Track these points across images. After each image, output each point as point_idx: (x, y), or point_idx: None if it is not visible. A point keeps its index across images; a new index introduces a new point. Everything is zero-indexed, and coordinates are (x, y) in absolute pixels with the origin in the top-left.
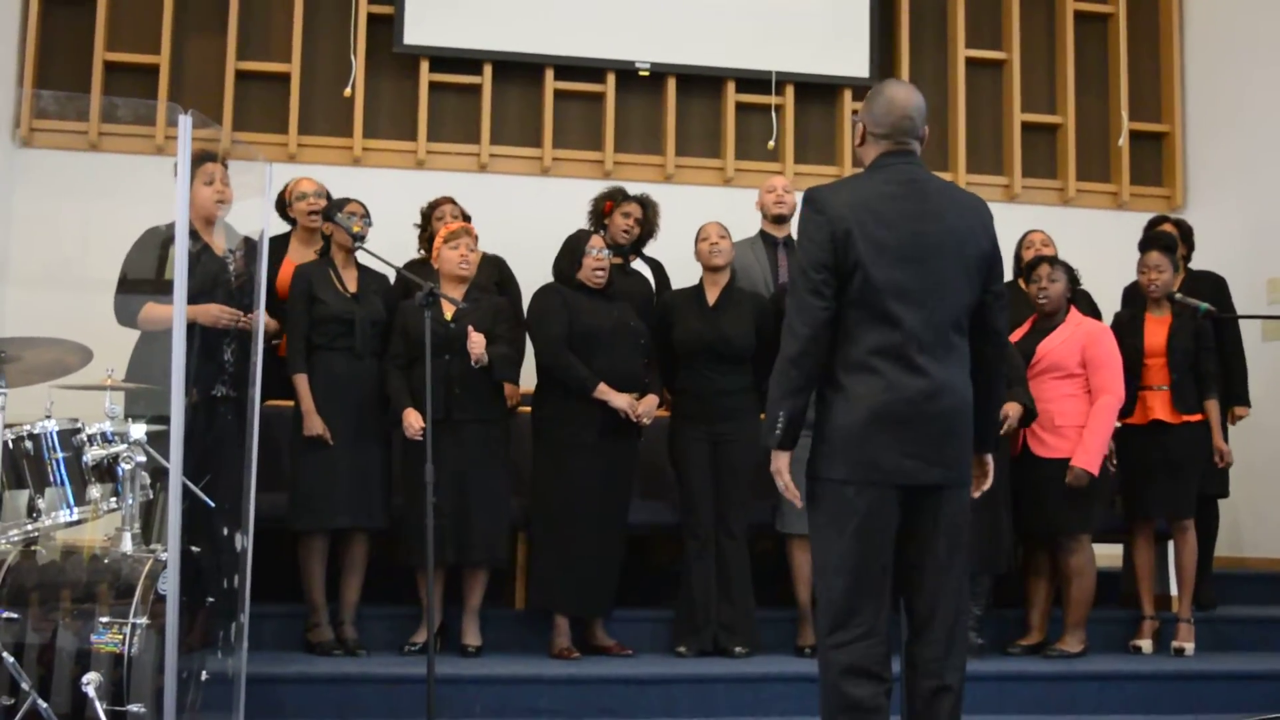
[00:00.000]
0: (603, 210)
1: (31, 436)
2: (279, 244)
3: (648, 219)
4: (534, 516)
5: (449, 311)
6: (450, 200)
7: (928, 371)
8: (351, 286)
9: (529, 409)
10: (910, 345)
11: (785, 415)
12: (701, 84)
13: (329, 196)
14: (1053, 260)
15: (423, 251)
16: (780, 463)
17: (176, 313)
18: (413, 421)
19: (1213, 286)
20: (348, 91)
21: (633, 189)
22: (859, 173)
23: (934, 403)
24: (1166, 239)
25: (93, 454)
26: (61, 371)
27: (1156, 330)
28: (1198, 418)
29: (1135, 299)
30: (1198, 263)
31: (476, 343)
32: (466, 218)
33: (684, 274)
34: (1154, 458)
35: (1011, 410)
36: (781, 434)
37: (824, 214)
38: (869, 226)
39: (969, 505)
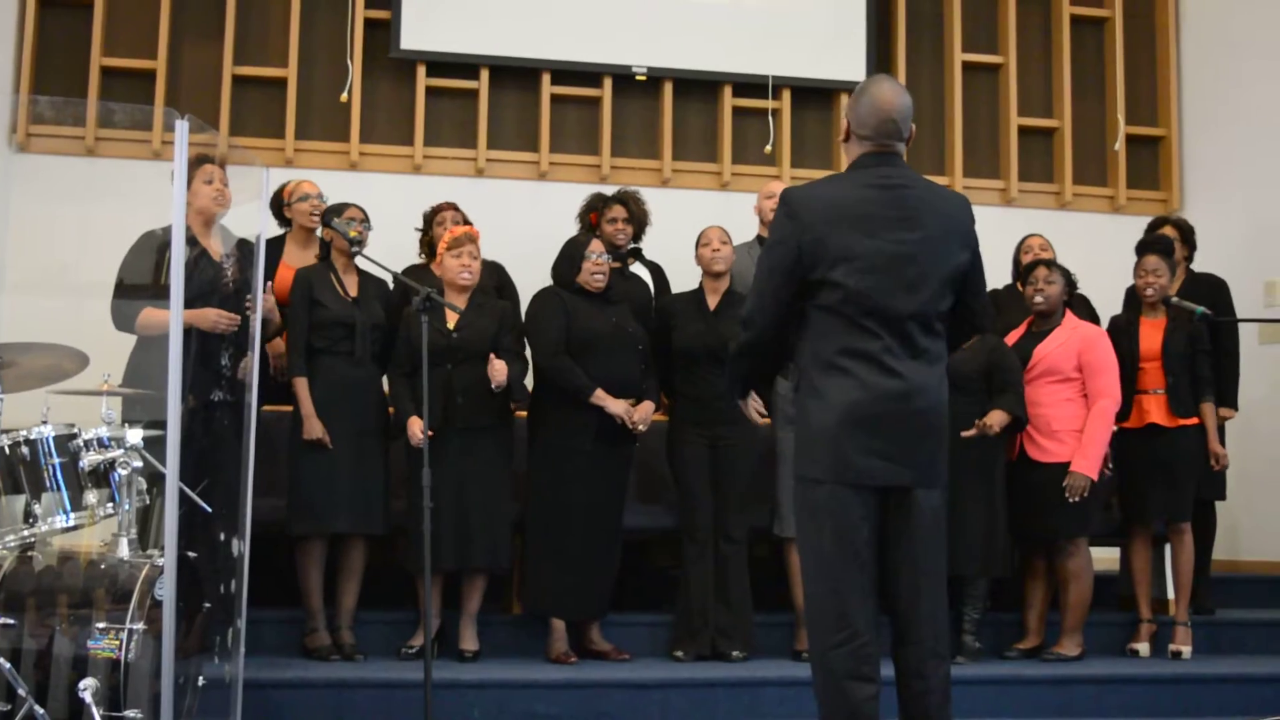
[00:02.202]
0: (590, 223)
1: (28, 442)
2: (274, 246)
3: (634, 213)
4: (529, 521)
5: (452, 320)
6: (453, 207)
7: (901, 373)
8: (352, 291)
9: (525, 414)
10: (882, 349)
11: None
12: (698, 88)
13: (327, 202)
14: (1049, 263)
15: (423, 256)
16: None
17: (173, 318)
18: (417, 430)
19: (1213, 288)
20: (344, 96)
21: (639, 195)
22: (838, 173)
23: (908, 403)
24: (1164, 243)
25: (89, 459)
26: (58, 377)
27: (1151, 334)
28: (1193, 421)
29: (1133, 301)
30: (1195, 265)
31: (499, 370)
32: (468, 224)
33: (682, 277)
34: (1150, 461)
35: (994, 419)
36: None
37: (796, 219)
38: (842, 231)
39: (944, 506)
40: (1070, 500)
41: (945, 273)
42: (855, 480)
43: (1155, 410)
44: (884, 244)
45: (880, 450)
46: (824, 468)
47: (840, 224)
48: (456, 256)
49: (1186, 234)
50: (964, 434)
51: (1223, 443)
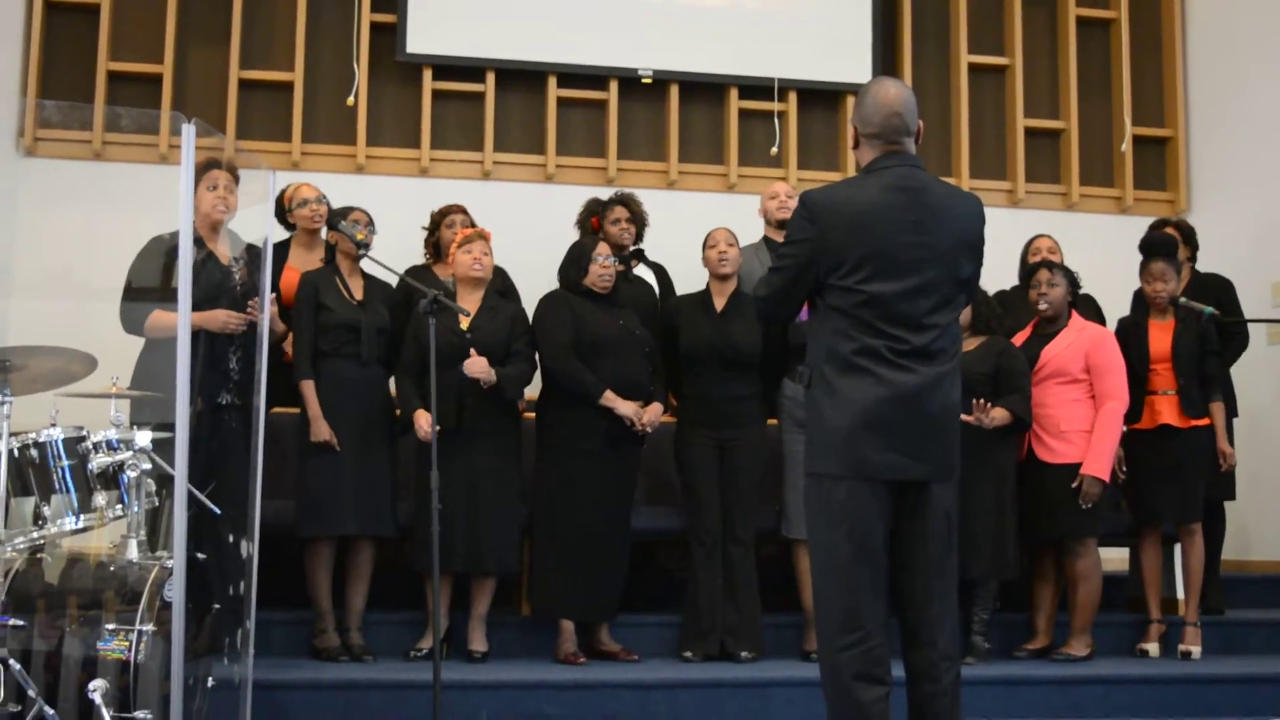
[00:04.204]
0: (591, 227)
1: (37, 444)
2: (280, 250)
3: (635, 213)
4: (538, 522)
5: (465, 322)
6: (461, 210)
7: (917, 373)
8: (358, 294)
9: (533, 415)
10: (899, 350)
11: None
12: (704, 90)
13: (328, 203)
14: (1052, 265)
15: (428, 257)
16: None
17: (181, 320)
18: (423, 423)
19: (1218, 288)
20: (351, 100)
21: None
22: (856, 175)
23: (923, 403)
24: (1169, 246)
25: (98, 461)
26: (66, 380)
27: (1161, 336)
28: (1205, 422)
29: (1141, 304)
30: (1202, 265)
31: (477, 366)
32: (474, 225)
33: (688, 279)
34: (1161, 462)
35: (997, 414)
36: None
37: (816, 224)
38: (860, 236)
39: (956, 509)
40: (1084, 506)
41: (959, 275)
42: (873, 474)
43: (1167, 411)
44: (902, 249)
45: (897, 447)
46: (841, 463)
47: (859, 229)
48: (468, 252)
49: (1188, 235)
50: (962, 417)
51: (1231, 443)
